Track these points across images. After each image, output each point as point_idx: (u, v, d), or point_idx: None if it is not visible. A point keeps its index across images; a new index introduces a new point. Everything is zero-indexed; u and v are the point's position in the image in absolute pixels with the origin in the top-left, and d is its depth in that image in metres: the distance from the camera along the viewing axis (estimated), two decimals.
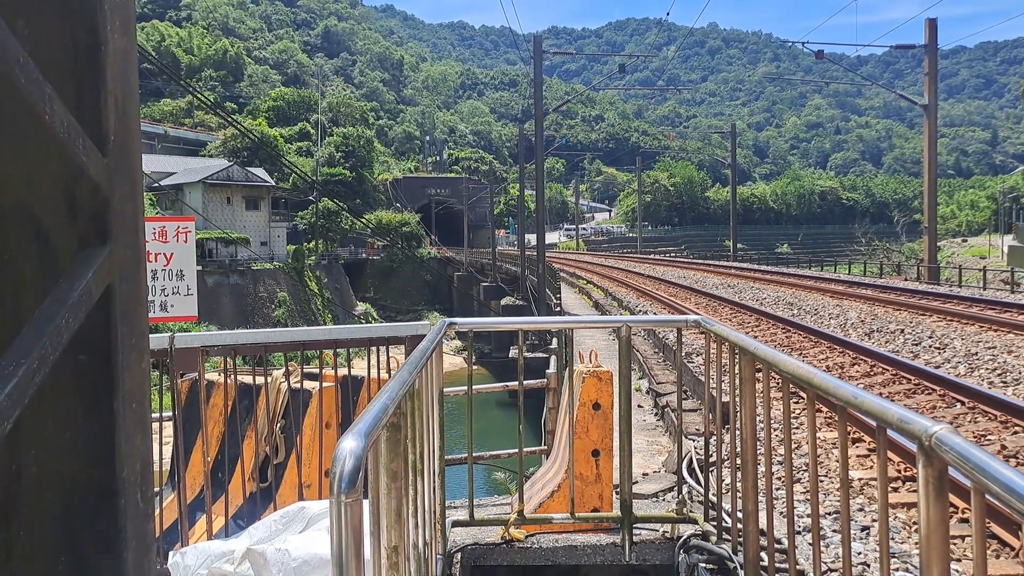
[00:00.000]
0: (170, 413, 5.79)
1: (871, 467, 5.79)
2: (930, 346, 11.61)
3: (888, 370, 9.50)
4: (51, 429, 1.24)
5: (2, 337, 1.13)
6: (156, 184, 56.50)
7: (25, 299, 1.16)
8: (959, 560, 4.05)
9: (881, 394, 7.95)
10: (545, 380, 7.25)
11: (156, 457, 5.54)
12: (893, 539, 4.34)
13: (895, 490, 5.29)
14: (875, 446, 5.59)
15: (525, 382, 4.52)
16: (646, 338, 13.91)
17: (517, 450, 4.57)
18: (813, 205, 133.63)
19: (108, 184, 1.25)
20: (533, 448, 6.92)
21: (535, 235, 32.89)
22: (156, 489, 5.85)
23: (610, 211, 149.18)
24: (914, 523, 4.55)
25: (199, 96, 16.24)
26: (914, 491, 5.10)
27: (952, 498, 4.64)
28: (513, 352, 27.21)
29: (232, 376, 5.92)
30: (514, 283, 47.09)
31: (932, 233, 30.58)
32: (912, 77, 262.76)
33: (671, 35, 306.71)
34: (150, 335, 1.94)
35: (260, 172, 67.67)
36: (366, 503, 1.98)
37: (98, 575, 1.26)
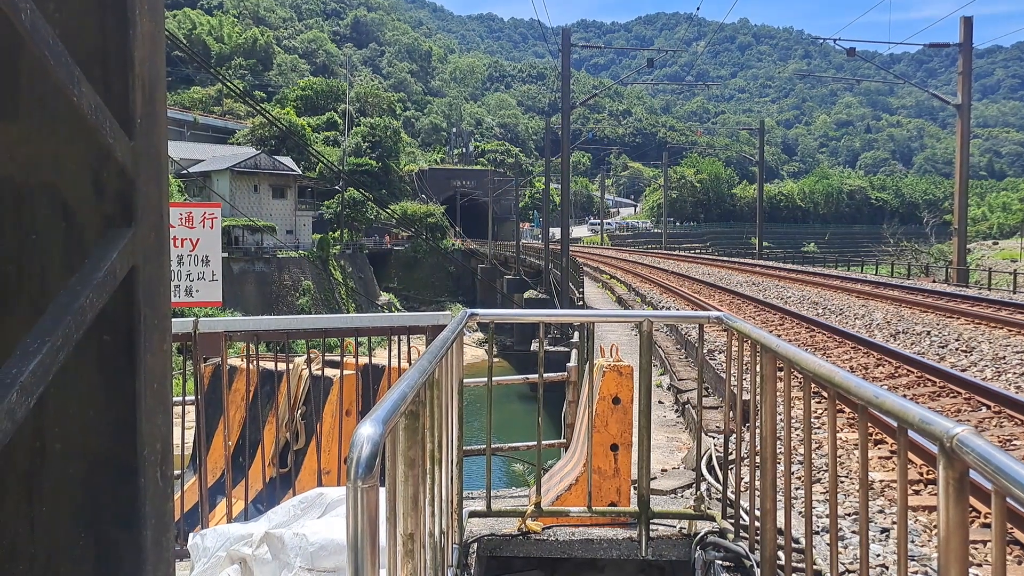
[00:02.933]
0: (193, 397, 5.85)
1: (892, 469, 5.73)
2: (957, 349, 11.46)
3: (913, 372, 9.39)
4: (74, 407, 1.26)
5: (28, 314, 1.15)
6: (184, 171, 57.05)
7: (51, 278, 1.18)
8: (979, 565, 4.00)
9: (905, 396, 7.86)
10: (565, 373, 7.24)
11: (178, 440, 5.61)
12: (912, 542, 4.29)
13: (916, 493, 5.24)
14: (896, 448, 5.49)
15: (545, 375, 4.52)
16: (668, 334, 13.85)
17: (536, 442, 4.57)
18: (841, 204, 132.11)
19: (134, 166, 1.26)
20: (552, 441, 6.92)
21: (560, 229, 32.84)
22: (178, 472, 5.93)
23: (635, 206, 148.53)
24: (934, 526, 4.50)
25: (228, 84, 16.37)
26: (935, 494, 5.04)
27: (973, 501, 4.59)
28: (534, 345, 27.20)
29: (255, 362, 5.98)
30: (537, 276, 47.08)
31: (962, 235, 30.14)
32: (945, 76, 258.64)
33: (701, 30, 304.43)
34: (174, 319, 1.96)
35: (287, 161, 68.09)
36: (383, 490, 1.99)
37: (118, 551, 1.28)
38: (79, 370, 1.24)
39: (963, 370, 9.59)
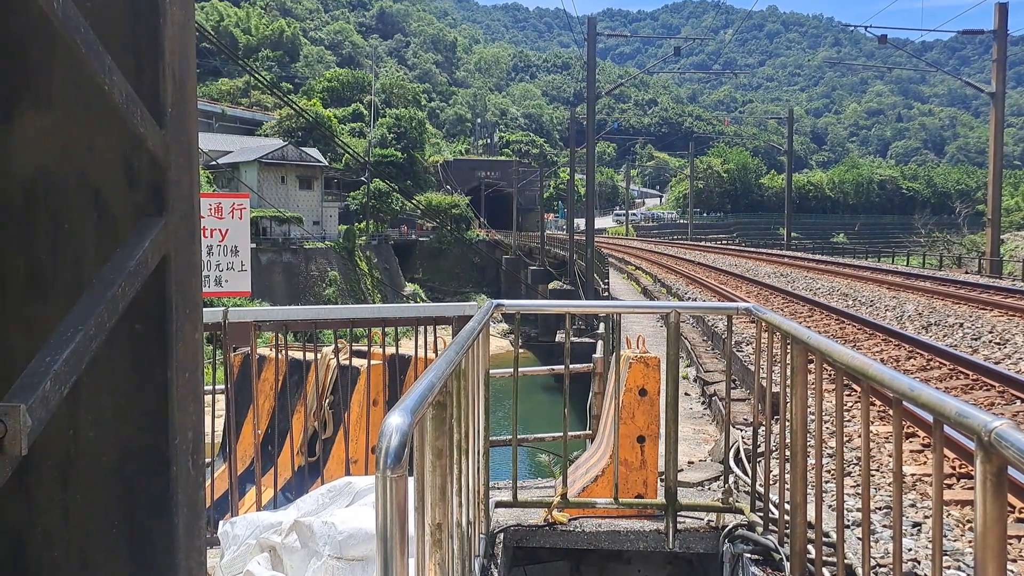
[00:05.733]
0: (223, 386, 5.91)
1: (923, 463, 5.66)
2: (990, 341, 11.28)
3: (945, 364, 9.26)
4: (107, 396, 1.26)
5: (62, 303, 1.16)
6: (213, 162, 57.56)
7: (85, 266, 1.18)
8: (1013, 560, 3.94)
9: (938, 389, 7.74)
10: (591, 364, 7.22)
11: (208, 429, 5.67)
12: (945, 536, 4.23)
13: (948, 487, 5.16)
14: (928, 442, 5.43)
15: (571, 366, 4.51)
16: (695, 325, 13.77)
17: (562, 433, 4.57)
18: (871, 194, 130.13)
19: (165, 156, 1.26)
20: (578, 432, 6.91)
21: (585, 219, 32.74)
22: (208, 460, 5.99)
23: (661, 197, 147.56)
24: (967, 521, 4.43)
25: (256, 76, 16.48)
26: (968, 488, 4.97)
27: (1009, 497, 4.51)
28: (560, 336, 27.17)
29: (283, 351, 6.02)
30: (562, 267, 47.00)
31: (995, 225, 29.64)
32: (979, 64, 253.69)
33: (728, 18, 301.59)
34: (204, 309, 1.97)
35: (314, 152, 68.49)
36: (411, 480, 1.99)
37: (150, 539, 1.29)
38: (111, 359, 1.25)
39: (997, 363, 9.43)
